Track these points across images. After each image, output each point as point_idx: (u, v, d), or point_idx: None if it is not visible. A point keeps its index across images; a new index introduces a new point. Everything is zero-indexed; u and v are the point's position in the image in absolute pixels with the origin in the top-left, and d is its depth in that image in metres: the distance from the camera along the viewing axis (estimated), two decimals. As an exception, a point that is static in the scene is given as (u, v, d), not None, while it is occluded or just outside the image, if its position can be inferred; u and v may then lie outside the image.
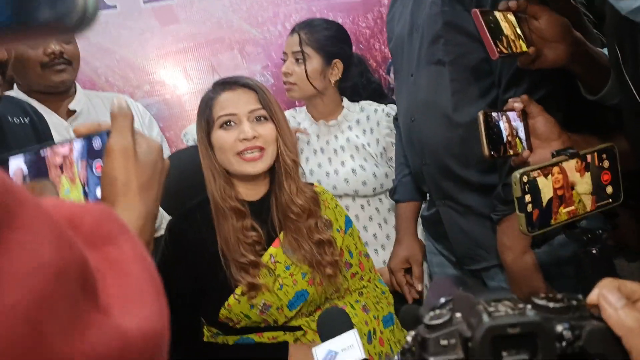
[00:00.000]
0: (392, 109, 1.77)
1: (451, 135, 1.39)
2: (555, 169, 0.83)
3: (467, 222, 1.45)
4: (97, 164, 0.64)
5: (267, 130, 1.36)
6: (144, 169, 0.62)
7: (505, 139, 1.02)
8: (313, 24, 1.80)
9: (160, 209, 1.69)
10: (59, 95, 1.65)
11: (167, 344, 0.43)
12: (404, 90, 1.49)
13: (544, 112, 1.06)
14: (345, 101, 1.82)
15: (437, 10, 1.34)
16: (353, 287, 1.47)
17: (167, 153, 1.87)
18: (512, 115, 1.04)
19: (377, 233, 1.76)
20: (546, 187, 0.82)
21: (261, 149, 1.35)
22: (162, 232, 1.67)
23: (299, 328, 1.38)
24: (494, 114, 1.02)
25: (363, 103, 1.81)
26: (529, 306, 0.47)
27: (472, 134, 1.34)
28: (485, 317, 0.45)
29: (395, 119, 1.68)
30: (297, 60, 1.75)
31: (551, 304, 0.47)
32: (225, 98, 1.38)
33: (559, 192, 0.83)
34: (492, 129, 1.01)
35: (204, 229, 1.37)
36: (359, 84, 1.83)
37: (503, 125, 1.03)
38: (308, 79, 1.73)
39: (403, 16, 1.49)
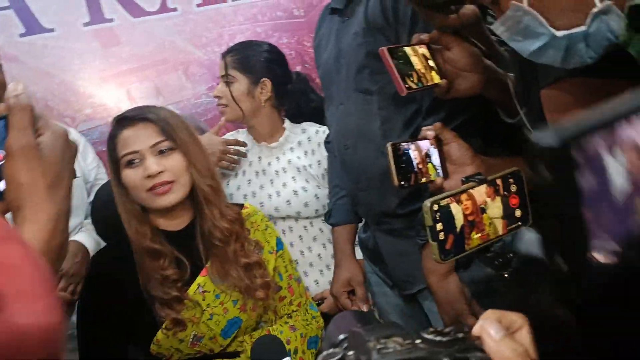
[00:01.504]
0: (333, 129, 1.78)
1: (382, 163, 1.40)
2: (464, 196, 0.84)
3: (401, 246, 1.46)
4: (0, 154, 0.58)
5: (174, 161, 1.32)
6: (50, 166, 0.57)
7: (415, 167, 1.03)
8: (239, 47, 1.83)
9: (98, 238, 1.66)
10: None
11: (63, 337, 0.45)
12: (335, 118, 1.51)
13: (458, 138, 1.07)
14: (287, 123, 1.82)
15: (359, 41, 1.36)
16: (281, 312, 1.45)
17: (104, 179, 1.83)
18: (423, 143, 1.05)
19: (321, 253, 1.75)
20: (458, 214, 0.84)
21: (169, 182, 1.31)
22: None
23: (236, 354, 1.36)
24: (403, 144, 1.03)
25: (305, 124, 1.82)
26: (418, 341, 0.48)
27: None
28: (375, 355, 0.46)
29: (327, 142, 1.69)
30: (225, 83, 1.76)
31: (438, 338, 0.48)
32: (126, 135, 1.33)
33: (470, 218, 0.84)
34: (401, 159, 1.02)
35: (126, 266, 1.32)
36: (301, 104, 1.83)
37: (412, 154, 1.03)
38: (234, 101, 1.74)
39: (329, 43, 1.50)
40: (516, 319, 0.50)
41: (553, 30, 0.73)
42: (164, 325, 1.29)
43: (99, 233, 1.65)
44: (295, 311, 1.48)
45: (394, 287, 1.57)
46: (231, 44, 2.48)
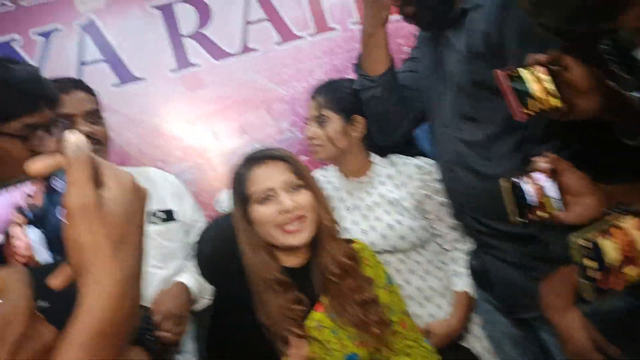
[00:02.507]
0: (422, 161, 1.75)
1: (487, 189, 1.36)
2: (617, 229, 0.79)
3: (510, 270, 1.41)
4: (62, 210, 0.52)
5: (305, 198, 1.37)
6: (114, 223, 0.51)
7: (532, 202, 0.99)
8: (329, 86, 1.83)
9: (202, 279, 1.70)
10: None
11: None
12: (440, 139, 1.50)
13: (573, 168, 1.03)
14: (374, 156, 1.81)
15: (463, 68, 1.34)
16: (397, 347, 1.43)
17: (202, 220, 1.87)
18: (538, 175, 1.01)
19: (420, 286, 1.72)
20: (609, 248, 0.78)
21: (302, 217, 1.35)
22: (204, 303, 1.67)
23: None
24: (517, 179, 1.00)
25: (392, 157, 1.80)
26: None
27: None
28: None
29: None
30: (318, 123, 1.77)
31: None
32: (258, 173, 1.39)
33: (624, 253, 0.79)
34: (517, 194, 0.99)
35: (247, 302, 1.35)
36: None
37: (528, 188, 1.00)
38: (331, 141, 1.74)
39: (430, 61, 1.49)
40: None
41: None
42: None
43: (205, 274, 1.68)
44: (412, 347, 1.45)
45: (506, 314, 1.51)
46: (310, 79, 2.56)
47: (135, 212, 0.54)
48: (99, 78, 2.28)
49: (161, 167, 2.36)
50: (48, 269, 0.54)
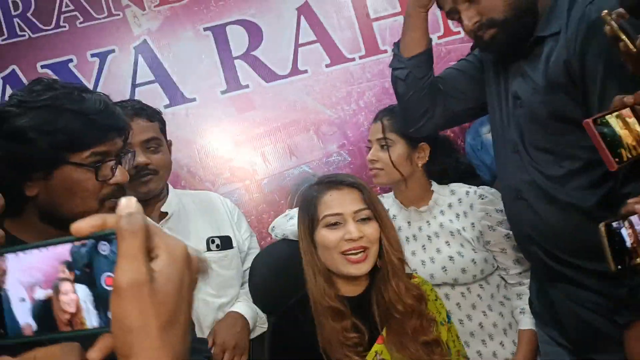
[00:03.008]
0: (484, 190, 1.69)
1: (561, 222, 1.30)
2: None
3: (581, 307, 1.33)
4: (107, 277, 0.49)
5: (372, 230, 1.36)
6: (165, 301, 0.47)
7: (629, 247, 0.94)
8: (395, 109, 1.77)
9: (255, 307, 1.67)
10: (150, 200, 1.67)
11: None
12: (507, 162, 1.43)
13: None
14: (435, 185, 1.76)
15: (540, 98, 1.29)
16: None
17: (256, 246, 1.85)
18: (635, 219, 0.95)
19: (482, 322, 1.65)
20: None
21: (365, 249, 1.34)
22: (258, 331, 1.64)
23: None
24: (615, 224, 0.95)
25: (453, 186, 1.75)
26: None
27: (583, 221, 1.26)
28: None
29: None
30: (381, 147, 1.73)
31: None
32: (331, 198, 1.38)
33: None
34: (615, 240, 0.94)
35: (306, 327, 1.35)
36: (449, 166, 1.77)
37: (626, 232, 0.94)
38: (394, 165, 1.70)
39: (498, 83, 1.44)
40: None
41: None
42: None
43: (257, 302, 1.65)
44: None
45: (573, 354, 1.43)
46: (360, 101, 2.53)
47: (187, 287, 0.50)
48: (151, 99, 2.28)
49: (209, 188, 2.36)
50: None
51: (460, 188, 1.74)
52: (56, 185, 1.01)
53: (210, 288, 1.62)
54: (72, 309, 0.50)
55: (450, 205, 1.71)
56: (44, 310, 0.51)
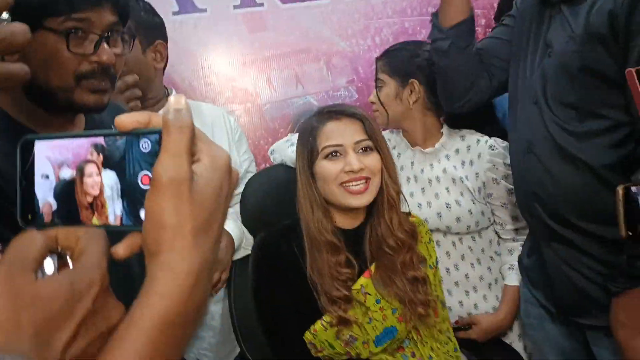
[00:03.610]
0: (496, 141, 1.62)
1: (572, 181, 1.25)
2: None
3: (575, 271, 1.30)
4: (144, 175, 0.47)
5: (373, 161, 1.32)
6: (202, 205, 0.45)
7: None
8: (391, 49, 1.72)
9: (244, 228, 1.63)
10: (148, 101, 1.58)
11: None
12: (523, 115, 1.36)
13: None
14: (445, 128, 1.69)
15: (574, 48, 1.21)
16: (425, 333, 1.39)
17: (252, 166, 1.79)
18: None
19: (469, 273, 1.62)
20: None
21: (366, 179, 1.30)
22: (242, 252, 1.60)
23: None
24: (634, 189, 0.90)
25: (465, 131, 1.68)
26: None
27: (595, 183, 1.21)
28: None
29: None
30: (376, 88, 1.69)
31: None
32: (331, 128, 1.33)
33: None
34: (631, 205, 0.89)
35: (296, 250, 1.33)
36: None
37: None
38: (382, 105, 1.65)
39: (529, 31, 1.36)
40: None
41: None
42: (327, 321, 1.28)
43: (247, 223, 1.61)
44: (437, 339, 1.40)
45: (556, 322, 1.42)
46: (377, 38, 2.42)
47: (225, 196, 0.47)
48: (160, 3, 2.17)
49: (209, 106, 2.28)
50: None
51: (472, 135, 1.66)
52: (33, 53, 0.88)
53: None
54: (95, 192, 0.48)
55: (457, 151, 1.65)
56: (67, 191, 0.49)
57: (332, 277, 1.29)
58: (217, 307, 1.65)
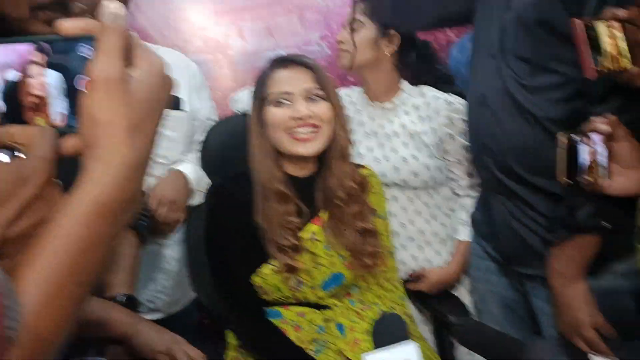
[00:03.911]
0: (454, 98, 1.63)
1: (522, 133, 1.27)
2: None
3: (520, 223, 1.34)
4: (81, 79, 0.50)
5: (322, 109, 1.32)
6: (137, 105, 0.48)
7: (585, 164, 0.94)
8: None
9: (203, 173, 1.63)
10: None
11: None
12: (480, 68, 1.37)
13: (630, 137, 0.96)
14: (404, 83, 1.68)
15: (532, 2, 1.21)
16: (371, 282, 1.42)
17: (214, 115, 1.78)
18: (595, 137, 0.95)
19: (423, 229, 1.65)
20: None
21: (315, 126, 1.31)
22: (200, 197, 1.61)
23: (328, 307, 1.36)
24: (576, 137, 0.94)
25: (424, 88, 1.68)
26: None
27: (545, 138, 1.23)
28: None
29: None
30: (352, 28, 1.63)
31: None
32: (280, 75, 1.35)
33: None
34: (573, 154, 0.93)
35: (248, 197, 1.35)
36: (423, 70, 1.69)
37: (584, 149, 0.94)
38: (358, 48, 1.60)
39: None
40: None
41: None
42: (275, 265, 1.30)
43: (207, 168, 1.62)
44: (383, 287, 1.43)
45: (500, 274, 1.46)
46: (352, -7, 2.39)
47: (159, 101, 0.51)
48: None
49: (178, 54, 2.25)
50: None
51: (430, 91, 1.66)
52: None
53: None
54: (39, 92, 0.50)
55: (416, 107, 1.65)
56: (13, 92, 0.51)
57: (281, 226, 1.31)
58: (173, 251, 1.66)
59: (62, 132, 0.51)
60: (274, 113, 1.33)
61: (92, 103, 0.47)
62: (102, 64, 0.47)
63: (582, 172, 0.94)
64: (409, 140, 1.63)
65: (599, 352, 1.16)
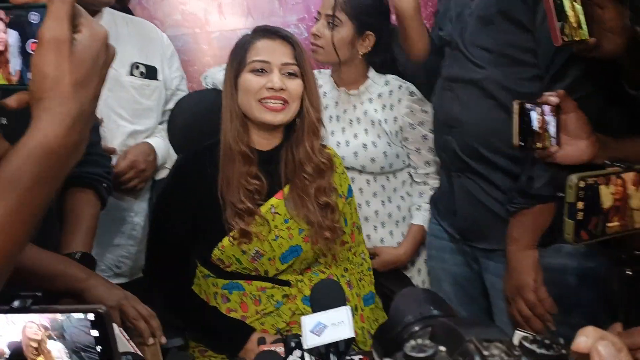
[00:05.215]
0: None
1: (485, 116, 1.36)
2: (617, 179, 0.81)
3: (476, 200, 1.42)
4: (33, 42, 0.57)
5: (295, 86, 1.38)
6: (80, 64, 0.55)
7: (535, 130, 1.02)
8: None
9: (169, 146, 1.68)
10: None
11: None
12: (448, 57, 1.46)
13: (578, 109, 1.05)
14: (372, 72, 1.75)
15: None
16: (340, 256, 1.48)
17: (185, 91, 1.83)
18: (546, 108, 1.04)
19: (379, 210, 1.73)
20: (605, 197, 0.80)
21: (285, 101, 1.36)
22: (164, 173, 1.67)
23: (287, 283, 1.42)
24: (528, 105, 1.03)
25: (390, 77, 1.75)
26: (518, 352, 0.43)
27: (504, 116, 1.31)
28: (479, 360, 0.41)
29: None
30: (328, 23, 1.67)
31: (541, 350, 0.43)
32: (262, 45, 1.39)
33: (617, 204, 0.80)
34: (525, 119, 1.01)
35: (209, 171, 1.40)
36: (387, 59, 1.75)
37: (536, 116, 1.03)
38: (334, 46, 1.66)
39: None
40: (617, 340, 0.46)
41: None
42: (231, 234, 1.36)
43: (173, 142, 1.67)
44: (351, 261, 1.50)
45: (454, 252, 1.54)
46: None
47: (102, 64, 0.58)
48: None
49: (157, 26, 2.28)
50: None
51: (395, 80, 1.74)
52: None
53: (125, 112, 1.62)
54: (1, 47, 0.58)
55: (380, 95, 1.72)
56: None
57: (240, 187, 1.35)
58: (140, 219, 1.72)
59: (15, 89, 0.59)
60: (249, 79, 1.36)
61: (41, 60, 0.54)
62: (52, 26, 0.55)
63: (534, 138, 1.02)
64: (369, 127, 1.70)
65: (537, 314, 1.27)
